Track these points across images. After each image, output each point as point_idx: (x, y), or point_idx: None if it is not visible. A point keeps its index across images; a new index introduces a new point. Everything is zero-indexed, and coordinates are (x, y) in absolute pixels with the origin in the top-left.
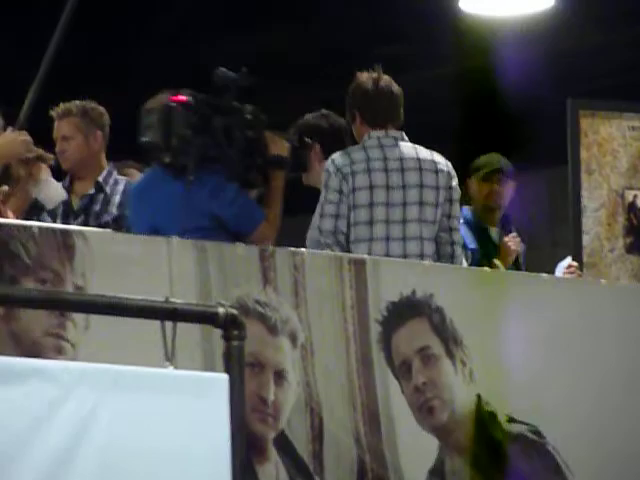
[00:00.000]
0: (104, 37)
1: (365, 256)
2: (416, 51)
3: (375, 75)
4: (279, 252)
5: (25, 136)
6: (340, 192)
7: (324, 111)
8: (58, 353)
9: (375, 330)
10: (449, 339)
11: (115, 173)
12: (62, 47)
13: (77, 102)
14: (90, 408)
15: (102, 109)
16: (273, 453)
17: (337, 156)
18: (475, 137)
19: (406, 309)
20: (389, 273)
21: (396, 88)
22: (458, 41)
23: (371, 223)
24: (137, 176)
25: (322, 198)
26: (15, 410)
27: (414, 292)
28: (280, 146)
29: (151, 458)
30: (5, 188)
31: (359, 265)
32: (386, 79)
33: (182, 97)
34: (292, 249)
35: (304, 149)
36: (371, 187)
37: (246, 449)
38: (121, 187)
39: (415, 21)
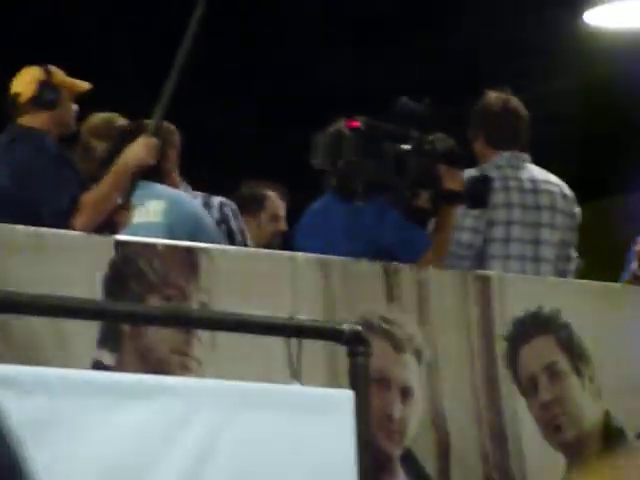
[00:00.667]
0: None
1: (490, 272)
2: (541, 65)
3: (504, 96)
4: (403, 268)
5: (156, 143)
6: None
7: None
8: (184, 370)
9: (501, 346)
10: (576, 355)
11: (190, 190)
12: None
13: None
14: (217, 425)
15: (173, 127)
16: (399, 470)
17: (474, 172)
18: (598, 151)
19: (532, 325)
20: (515, 289)
21: (523, 110)
22: (583, 54)
23: (507, 241)
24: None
25: (461, 211)
26: (142, 427)
27: (540, 308)
28: (457, 181)
29: (277, 474)
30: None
31: (484, 281)
32: (514, 101)
33: (355, 122)
34: (416, 265)
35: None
36: (509, 205)
37: (372, 466)
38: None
39: (540, 35)
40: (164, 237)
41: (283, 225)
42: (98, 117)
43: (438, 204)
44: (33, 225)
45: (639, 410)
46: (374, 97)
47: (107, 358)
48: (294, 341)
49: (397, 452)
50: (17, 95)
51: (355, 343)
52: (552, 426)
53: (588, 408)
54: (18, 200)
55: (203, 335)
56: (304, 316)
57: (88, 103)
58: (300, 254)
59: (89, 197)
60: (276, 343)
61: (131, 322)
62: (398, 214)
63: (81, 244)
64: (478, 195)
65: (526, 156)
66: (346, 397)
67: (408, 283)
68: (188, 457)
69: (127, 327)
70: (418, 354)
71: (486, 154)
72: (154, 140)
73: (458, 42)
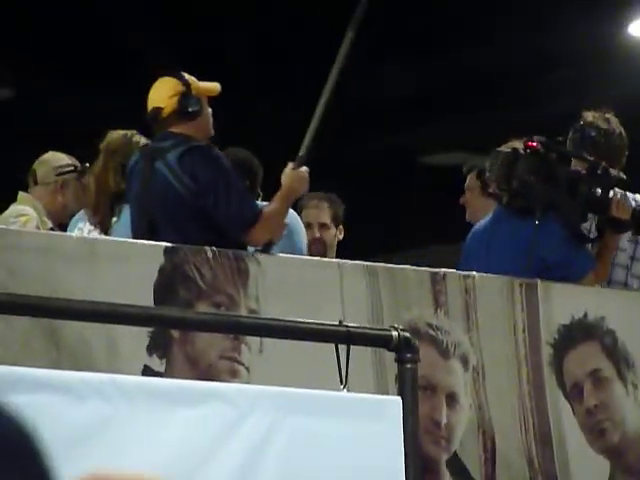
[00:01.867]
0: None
1: (536, 279)
2: (585, 76)
3: (607, 115)
4: (450, 275)
5: (306, 173)
6: None
7: None
8: (233, 376)
9: (547, 353)
10: (620, 361)
11: None
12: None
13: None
14: (266, 431)
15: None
16: (446, 475)
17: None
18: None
19: (578, 332)
20: (561, 296)
21: (623, 131)
22: (627, 66)
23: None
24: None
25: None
26: (193, 432)
27: (586, 315)
28: (625, 209)
29: None
30: None
31: (530, 288)
32: (616, 120)
33: (533, 143)
34: (463, 272)
35: None
36: None
37: (420, 472)
38: None
39: (585, 46)
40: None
41: (317, 232)
42: (116, 134)
43: (605, 229)
44: (212, 235)
45: None
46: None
47: (157, 364)
48: (343, 347)
49: (444, 457)
50: (159, 109)
51: (403, 349)
52: (596, 431)
53: (632, 414)
54: (197, 210)
55: (251, 341)
56: (352, 323)
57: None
58: (348, 261)
59: (269, 213)
60: (324, 349)
61: (180, 328)
62: (566, 234)
63: (131, 251)
64: None
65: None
66: (394, 403)
67: (455, 289)
68: (237, 463)
69: (176, 333)
70: (464, 360)
71: None
72: (305, 170)
73: (504, 56)
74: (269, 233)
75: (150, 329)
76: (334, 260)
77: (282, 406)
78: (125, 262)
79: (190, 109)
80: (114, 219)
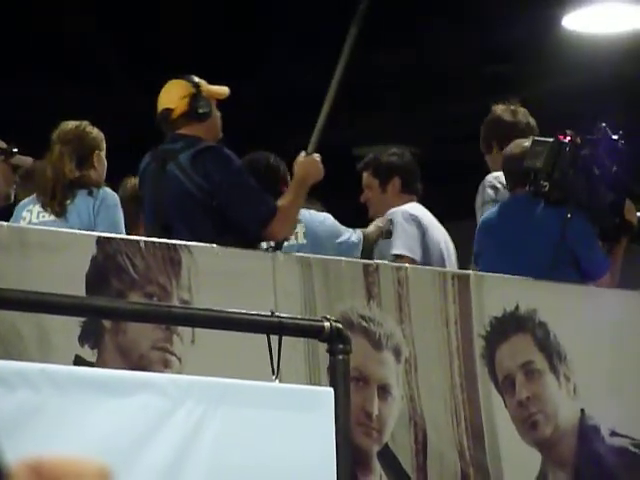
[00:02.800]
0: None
1: (469, 271)
2: (521, 70)
3: (513, 107)
4: (383, 267)
5: (319, 159)
6: None
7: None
8: (165, 367)
9: (479, 345)
10: (553, 354)
11: None
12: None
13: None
14: (197, 421)
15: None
16: (377, 467)
17: (499, 175)
18: None
19: (510, 324)
20: (493, 288)
21: (533, 121)
22: (562, 58)
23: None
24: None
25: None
26: (124, 422)
27: (517, 307)
28: (632, 213)
29: (257, 471)
30: None
31: (463, 280)
32: (523, 111)
33: (567, 137)
34: (395, 264)
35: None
36: None
37: (351, 462)
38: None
39: (520, 40)
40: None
41: None
42: (70, 124)
43: (616, 232)
44: (228, 234)
45: (614, 409)
46: None
47: (88, 354)
48: (275, 338)
49: (375, 449)
50: (169, 110)
51: (335, 340)
52: (528, 423)
53: (564, 406)
54: (211, 210)
55: (184, 332)
56: (284, 313)
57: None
58: (281, 253)
59: (285, 206)
60: (257, 340)
61: (112, 318)
62: (592, 232)
63: (64, 241)
64: None
65: None
66: (326, 394)
67: (387, 281)
68: (169, 453)
69: (108, 323)
70: (397, 352)
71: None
72: (318, 156)
73: (431, 50)
74: (288, 226)
75: (82, 319)
76: (267, 251)
77: (214, 396)
78: (57, 252)
79: (200, 111)
80: (68, 202)
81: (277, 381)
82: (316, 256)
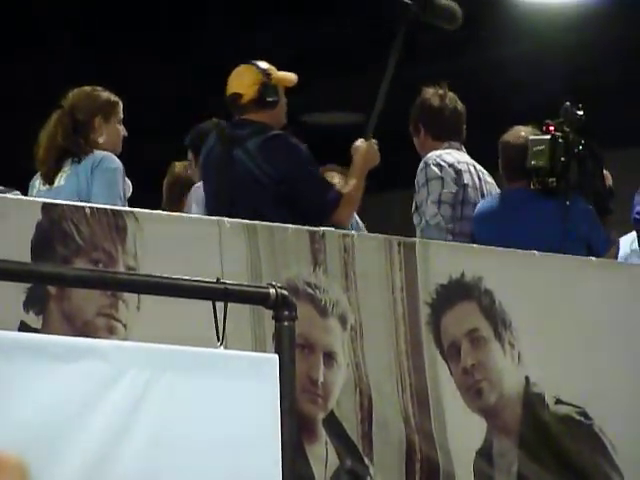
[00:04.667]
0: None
1: (415, 239)
2: (462, 37)
3: (441, 91)
4: (328, 234)
5: (376, 145)
6: (457, 185)
7: None
8: (110, 333)
9: (424, 312)
10: (498, 321)
11: None
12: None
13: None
14: (142, 387)
15: None
16: (322, 434)
17: (441, 153)
18: None
19: (455, 291)
20: (438, 255)
21: (460, 105)
22: (505, 27)
23: (473, 219)
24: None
25: (437, 187)
26: (67, 389)
27: (463, 274)
28: (609, 179)
29: (201, 438)
30: None
31: (409, 247)
32: (452, 96)
33: (552, 126)
34: (341, 231)
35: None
36: (474, 187)
37: (296, 429)
38: None
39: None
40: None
41: None
42: (79, 90)
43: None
44: (295, 220)
45: (558, 376)
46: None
47: (33, 320)
48: (220, 305)
49: (321, 416)
50: (238, 96)
51: (281, 307)
52: (473, 391)
53: (508, 374)
54: (281, 195)
55: (129, 298)
56: (230, 280)
57: None
58: (226, 219)
59: (349, 192)
60: (203, 307)
61: (57, 284)
62: (593, 211)
63: (8, 206)
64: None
65: (462, 147)
66: (271, 361)
67: (333, 248)
68: (113, 419)
69: (53, 290)
70: (343, 319)
71: (427, 146)
72: (375, 142)
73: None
74: (352, 211)
75: (27, 285)
76: (213, 217)
77: (159, 363)
78: (2, 217)
79: (269, 98)
80: (61, 174)
81: (222, 348)
82: (262, 223)
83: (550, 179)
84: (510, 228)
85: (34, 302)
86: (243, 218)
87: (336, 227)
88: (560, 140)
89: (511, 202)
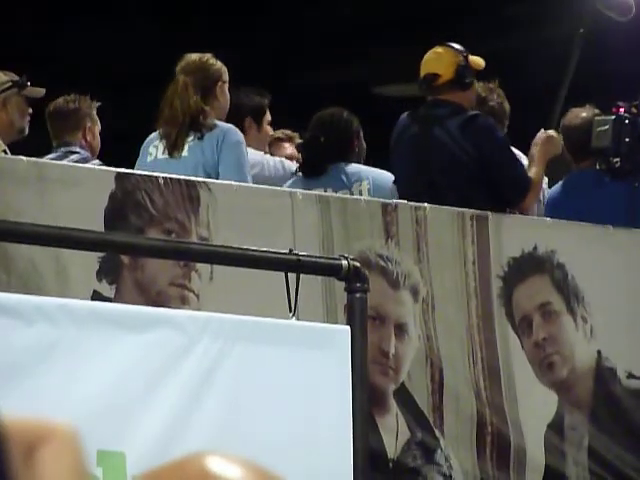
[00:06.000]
0: None
1: (488, 212)
2: (539, 11)
3: (491, 86)
4: (401, 206)
5: (558, 137)
6: None
7: None
8: (182, 303)
9: (496, 285)
10: (570, 295)
11: None
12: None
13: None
14: (214, 357)
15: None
16: (393, 405)
17: None
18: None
19: (527, 265)
20: (511, 229)
21: (507, 104)
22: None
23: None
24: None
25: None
26: (140, 358)
27: (536, 248)
28: None
29: (274, 406)
30: None
31: (481, 220)
32: (500, 92)
33: (621, 108)
34: (414, 204)
35: None
36: None
37: (367, 401)
38: None
39: None
40: None
41: None
42: (194, 56)
43: None
44: (492, 201)
45: (631, 351)
46: None
47: (106, 289)
48: (292, 276)
49: (391, 387)
50: (436, 76)
51: (353, 279)
52: (545, 364)
53: (580, 347)
54: (478, 177)
55: (202, 268)
56: (303, 252)
57: None
58: (300, 190)
59: (535, 180)
60: (275, 278)
61: (130, 254)
62: None
63: (82, 176)
64: None
65: None
66: (343, 332)
67: (406, 221)
68: (185, 388)
69: (126, 259)
70: (414, 291)
71: None
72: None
73: None
74: (536, 198)
75: (100, 255)
76: (286, 189)
77: (231, 333)
78: (76, 187)
79: (467, 80)
80: (192, 142)
81: (294, 319)
82: (334, 195)
83: (615, 159)
84: (580, 213)
85: (107, 271)
86: (443, 199)
87: (523, 213)
88: (626, 121)
89: (579, 186)
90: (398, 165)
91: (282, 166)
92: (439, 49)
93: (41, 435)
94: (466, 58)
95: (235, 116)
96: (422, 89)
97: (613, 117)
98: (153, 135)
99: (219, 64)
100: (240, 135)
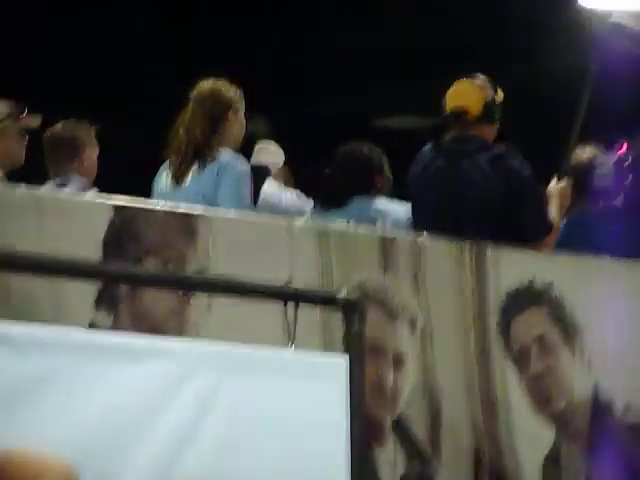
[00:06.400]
0: None
1: (486, 244)
2: (536, 45)
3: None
4: (400, 238)
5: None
6: None
7: None
8: (180, 333)
9: (494, 317)
10: (568, 327)
11: None
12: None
13: None
14: (211, 388)
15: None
16: (391, 437)
17: None
18: None
19: (525, 297)
20: (509, 261)
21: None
22: (576, 37)
23: None
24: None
25: None
26: (137, 389)
27: (533, 280)
28: None
29: (270, 439)
30: None
31: (480, 252)
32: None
33: (626, 146)
34: (412, 235)
35: None
36: None
37: (365, 432)
38: None
39: (535, 16)
40: None
41: None
42: (207, 83)
43: None
44: (510, 237)
45: (628, 384)
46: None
47: (103, 319)
48: (291, 307)
49: (389, 419)
50: (465, 110)
51: (351, 310)
52: (542, 397)
53: (578, 380)
54: (503, 213)
55: (200, 299)
56: (301, 283)
57: None
58: (298, 222)
59: (555, 226)
60: (273, 309)
61: (128, 284)
62: None
63: (80, 207)
64: None
65: None
66: (340, 363)
67: (404, 252)
68: (183, 420)
69: (124, 289)
70: (412, 322)
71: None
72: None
73: (453, 20)
74: (552, 243)
75: (98, 285)
76: (284, 221)
77: (229, 364)
78: (73, 216)
79: (496, 116)
80: (194, 172)
81: (292, 349)
82: (333, 226)
83: (616, 199)
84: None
85: (105, 301)
86: (467, 235)
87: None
88: (628, 162)
89: (580, 225)
90: (422, 198)
91: (299, 199)
92: (468, 82)
93: (38, 471)
94: (495, 92)
95: None
96: (449, 123)
97: (615, 157)
98: (164, 165)
99: (232, 92)
100: (242, 165)
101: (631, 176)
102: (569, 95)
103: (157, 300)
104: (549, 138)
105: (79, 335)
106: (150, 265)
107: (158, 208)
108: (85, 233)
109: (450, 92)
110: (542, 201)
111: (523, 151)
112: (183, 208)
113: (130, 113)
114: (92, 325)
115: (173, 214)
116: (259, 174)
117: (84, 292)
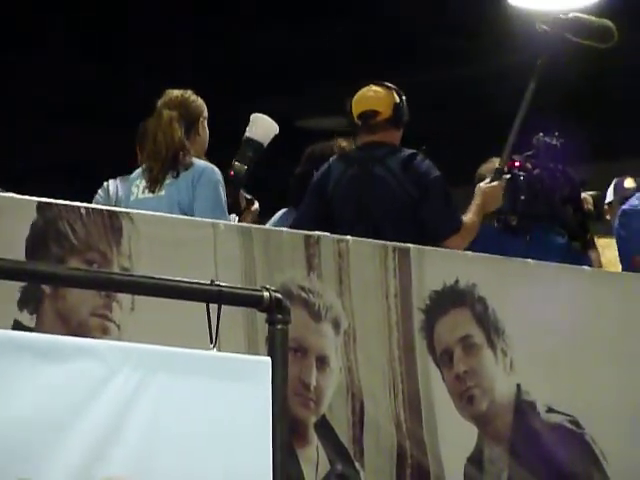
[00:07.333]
0: None
1: (409, 245)
2: (465, 45)
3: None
4: (324, 239)
5: (501, 188)
6: None
7: None
8: (103, 333)
9: (418, 318)
10: (491, 329)
11: None
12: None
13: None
14: (134, 388)
15: None
16: (314, 437)
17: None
18: None
19: (449, 298)
20: (433, 262)
21: None
22: (507, 36)
23: None
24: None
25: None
26: (60, 388)
27: (457, 281)
28: (588, 202)
29: (193, 439)
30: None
31: (403, 253)
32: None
33: (517, 162)
34: (336, 236)
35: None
36: None
37: (287, 433)
38: None
39: (465, 15)
40: None
41: None
42: (176, 92)
43: (584, 224)
44: (422, 235)
45: (550, 385)
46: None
47: (27, 319)
48: (214, 307)
49: (312, 420)
50: (375, 113)
51: (274, 310)
52: (465, 397)
53: (500, 381)
54: (416, 214)
55: (123, 299)
56: (224, 283)
57: None
58: (222, 222)
59: (467, 224)
60: (196, 309)
61: (51, 283)
62: (564, 241)
63: (3, 205)
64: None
65: None
66: (263, 364)
67: (328, 253)
68: (106, 419)
69: (48, 289)
70: (336, 323)
71: None
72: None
73: (384, 23)
74: (464, 243)
75: (21, 284)
76: (207, 220)
77: (152, 363)
78: None
79: (404, 119)
80: (168, 179)
81: (215, 350)
82: (257, 226)
83: (511, 217)
84: None
85: (28, 301)
86: (384, 235)
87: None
88: (521, 178)
89: (480, 241)
90: (338, 208)
91: None
92: (374, 87)
93: None
94: (401, 97)
95: None
96: (356, 125)
97: (508, 176)
98: (136, 172)
99: (200, 100)
100: (217, 174)
101: (524, 195)
102: (506, 96)
103: (80, 300)
104: (487, 139)
105: (3, 335)
106: (73, 265)
107: (82, 207)
108: (8, 232)
109: (357, 96)
110: (450, 201)
111: (461, 152)
112: (107, 208)
113: None
114: (16, 324)
115: (97, 213)
116: (251, 147)
117: (7, 291)
